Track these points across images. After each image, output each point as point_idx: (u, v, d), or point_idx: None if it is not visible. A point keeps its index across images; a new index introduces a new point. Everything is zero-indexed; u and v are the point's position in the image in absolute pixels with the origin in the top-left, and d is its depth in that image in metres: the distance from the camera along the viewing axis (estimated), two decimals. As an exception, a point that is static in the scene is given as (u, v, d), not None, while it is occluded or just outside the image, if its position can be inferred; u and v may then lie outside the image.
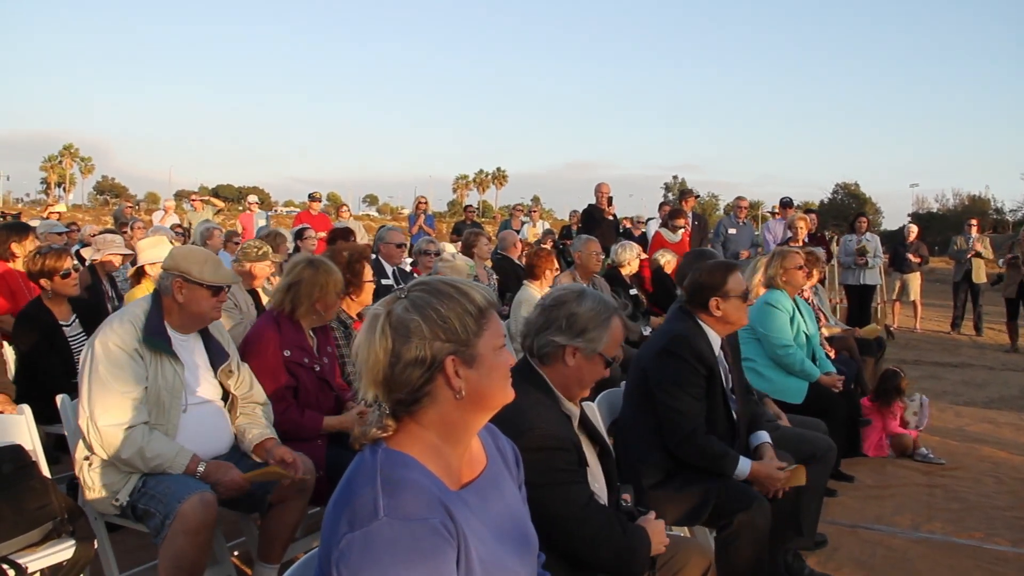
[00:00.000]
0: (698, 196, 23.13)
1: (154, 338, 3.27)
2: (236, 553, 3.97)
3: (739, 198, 11.91)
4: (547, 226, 16.81)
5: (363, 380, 1.66)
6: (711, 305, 3.61)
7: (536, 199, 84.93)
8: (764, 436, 3.72)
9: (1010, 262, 12.11)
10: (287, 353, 3.76)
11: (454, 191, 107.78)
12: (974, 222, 14.33)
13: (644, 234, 13.18)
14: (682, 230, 10.44)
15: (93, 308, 5.22)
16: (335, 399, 3.95)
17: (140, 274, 5.30)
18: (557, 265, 6.71)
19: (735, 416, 3.61)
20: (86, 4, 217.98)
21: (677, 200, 11.97)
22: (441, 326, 1.65)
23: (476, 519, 1.67)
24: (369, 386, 1.66)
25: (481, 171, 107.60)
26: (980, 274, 13.57)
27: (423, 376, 1.64)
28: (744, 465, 3.41)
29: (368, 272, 4.31)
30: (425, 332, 1.64)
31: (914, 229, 14.30)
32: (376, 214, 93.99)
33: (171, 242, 5.85)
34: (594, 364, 2.59)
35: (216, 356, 3.52)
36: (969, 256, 13.40)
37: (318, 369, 3.87)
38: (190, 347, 3.45)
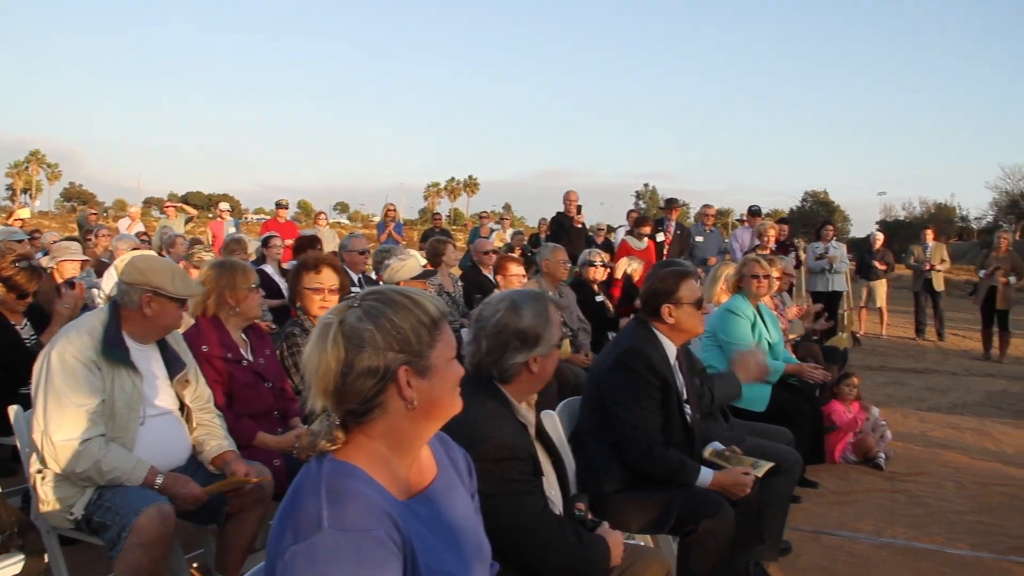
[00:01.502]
0: (683, 205, 23.20)
1: (113, 350, 3.21)
2: (195, 565, 3.89)
3: (706, 206, 11.96)
4: (517, 230, 16.85)
5: (312, 390, 1.64)
6: (663, 312, 3.59)
7: (507, 207, 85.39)
8: (717, 445, 3.72)
9: (993, 272, 12.10)
10: (205, 348, 3.77)
11: (425, 199, 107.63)
12: (930, 231, 14.56)
13: (608, 241, 13.23)
14: (648, 238, 10.48)
15: (44, 315, 5.14)
16: (276, 398, 3.97)
17: None
18: (523, 272, 6.69)
19: (691, 425, 3.60)
20: (52, 8, 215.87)
21: (663, 210, 11.92)
22: (395, 336, 1.64)
23: (425, 529, 1.65)
24: (319, 396, 1.64)
25: (453, 179, 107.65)
26: (939, 282, 13.75)
27: (375, 386, 1.63)
28: (705, 475, 3.40)
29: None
30: (379, 342, 1.62)
31: (880, 237, 14.45)
32: (347, 222, 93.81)
33: (135, 250, 5.80)
34: (553, 356, 2.61)
35: (172, 365, 3.47)
36: (927, 268, 13.60)
37: (245, 364, 3.89)
38: (147, 356, 3.40)
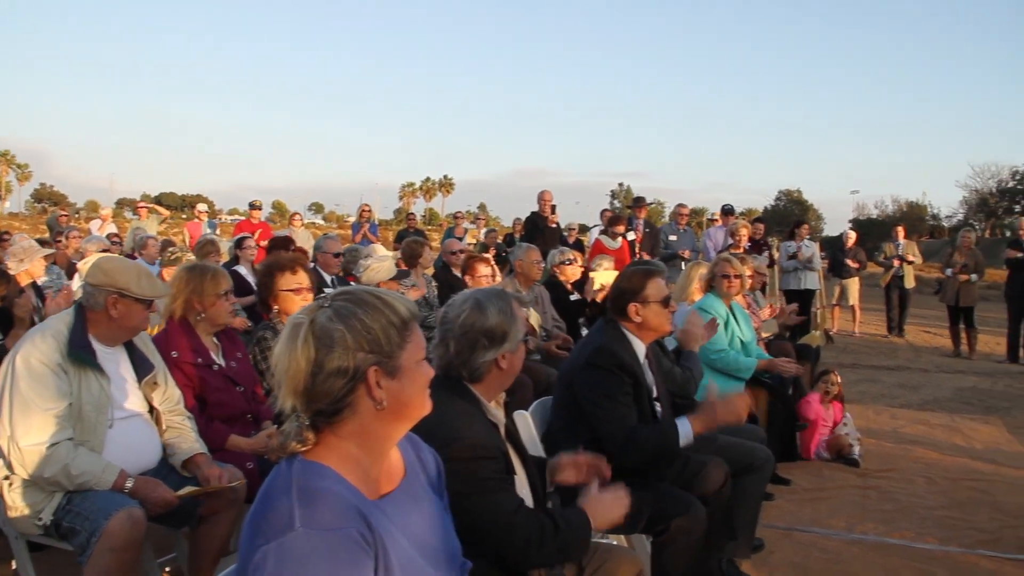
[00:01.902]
0: (652, 204, 23.40)
1: (79, 352, 3.18)
2: (168, 569, 3.88)
3: (680, 205, 11.99)
4: (490, 228, 16.87)
5: (282, 389, 1.64)
6: (630, 311, 3.61)
7: (483, 206, 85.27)
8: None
9: (960, 271, 12.35)
10: (175, 354, 3.73)
11: (400, 199, 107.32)
12: (901, 228, 14.84)
13: (579, 241, 13.26)
14: (622, 237, 10.51)
15: (11, 318, 5.09)
16: (248, 402, 3.94)
17: None
18: (493, 271, 6.67)
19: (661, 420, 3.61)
20: (21, 8, 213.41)
21: (632, 208, 11.92)
22: (365, 337, 1.64)
23: (395, 529, 1.66)
24: (288, 396, 1.64)
25: (428, 179, 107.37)
26: (910, 279, 13.97)
27: (345, 387, 1.63)
28: (684, 427, 3.41)
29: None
30: (349, 342, 1.62)
31: (852, 235, 14.60)
32: (322, 222, 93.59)
33: (104, 251, 5.75)
34: (520, 351, 2.62)
35: (141, 367, 3.44)
36: (896, 263, 13.84)
37: (216, 368, 3.87)
38: (115, 359, 3.37)
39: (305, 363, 1.61)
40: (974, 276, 12.18)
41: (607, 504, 2.56)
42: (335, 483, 1.60)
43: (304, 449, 1.64)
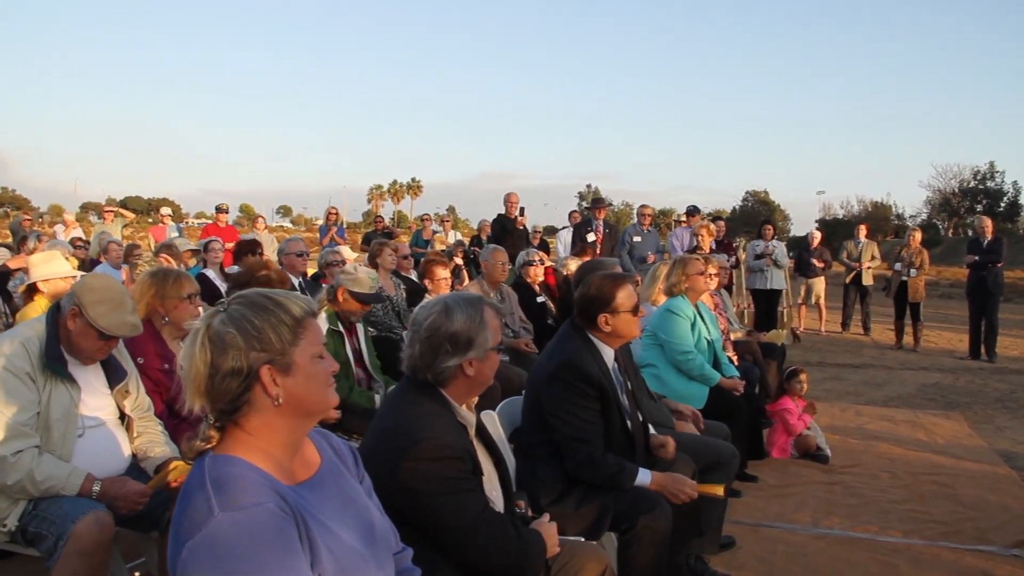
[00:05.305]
0: (610, 205, 23.54)
1: (50, 362, 3.14)
2: (137, 574, 3.85)
3: (643, 206, 11.99)
4: (459, 236, 16.81)
5: (188, 392, 1.72)
6: (600, 321, 3.60)
7: (451, 209, 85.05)
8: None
9: (907, 266, 12.74)
10: (141, 361, 3.71)
11: (369, 201, 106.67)
12: (863, 227, 15.05)
13: (544, 241, 13.30)
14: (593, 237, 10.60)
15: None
16: None
17: (32, 291, 5.11)
18: (447, 275, 6.64)
19: (631, 430, 3.63)
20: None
21: (591, 209, 11.94)
22: (256, 337, 1.71)
23: (316, 512, 1.72)
24: (194, 397, 1.72)
25: (395, 181, 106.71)
26: (867, 276, 14.18)
27: (241, 386, 1.70)
28: (644, 476, 3.44)
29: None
30: (240, 344, 1.70)
31: (817, 235, 14.76)
32: (290, 225, 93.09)
33: (66, 256, 5.68)
34: (490, 360, 2.60)
35: (113, 375, 3.41)
36: (859, 267, 14.07)
37: None
38: (87, 367, 3.33)
39: (203, 366, 1.69)
40: (913, 271, 12.60)
41: (550, 533, 2.63)
42: (246, 469, 1.66)
43: (209, 446, 1.71)
